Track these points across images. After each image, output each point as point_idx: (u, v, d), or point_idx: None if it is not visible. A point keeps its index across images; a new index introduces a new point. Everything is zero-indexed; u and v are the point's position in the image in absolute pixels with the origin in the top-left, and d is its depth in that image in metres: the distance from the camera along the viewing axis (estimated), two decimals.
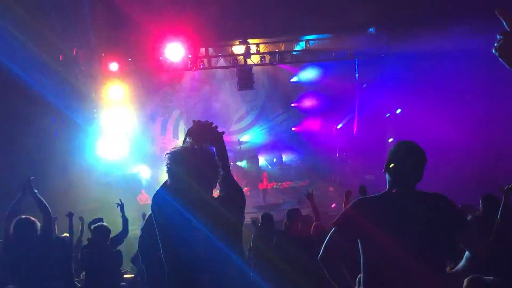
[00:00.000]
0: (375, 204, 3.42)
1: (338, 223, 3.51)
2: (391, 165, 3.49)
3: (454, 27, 15.30)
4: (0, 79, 13.34)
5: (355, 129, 22.42)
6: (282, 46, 18.89)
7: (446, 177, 16.05)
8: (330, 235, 3.49)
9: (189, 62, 18.38)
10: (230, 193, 3.63)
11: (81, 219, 9.50)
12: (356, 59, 20.33)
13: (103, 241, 7.41)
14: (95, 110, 18.43)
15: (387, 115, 20.29)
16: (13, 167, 12.51)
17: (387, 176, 3.50)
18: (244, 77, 19.29)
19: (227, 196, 3.61)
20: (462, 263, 3.57)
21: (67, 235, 8.06)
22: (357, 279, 3.65)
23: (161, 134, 23.14)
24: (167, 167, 3.47)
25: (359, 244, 3.40)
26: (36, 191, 6.06)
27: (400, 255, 3.25)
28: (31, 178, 6.11)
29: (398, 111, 19.64)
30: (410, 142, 3.52)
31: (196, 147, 3.58)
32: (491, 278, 4.39)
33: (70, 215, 8.26)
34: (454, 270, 3.61)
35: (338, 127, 21.88)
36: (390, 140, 19.91)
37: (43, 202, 5.99)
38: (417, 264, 3.23)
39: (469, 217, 8.13)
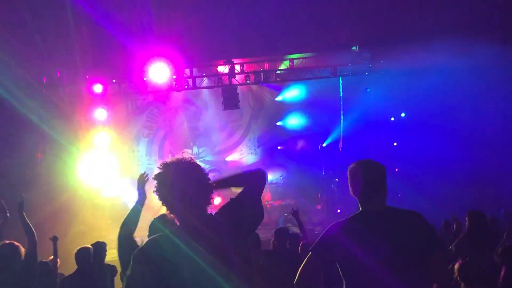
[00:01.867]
0: (349, 226, 3.44)
1: (315, 248, 3.52)
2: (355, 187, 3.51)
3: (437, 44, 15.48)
4: None
5: (340, 147, 22.49)
6: (266, 65, 18.94)
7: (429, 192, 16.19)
8: (306, 260, 3.50)
9: (174, 83, 18.38)
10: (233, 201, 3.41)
11: (54, 239, 8.34)
12: (340, 77, 20.42)
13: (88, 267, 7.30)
14: (79, 132, 18.33)
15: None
16: None
17: (357, 198, 3.52)
18: (229, 97, 19.33)
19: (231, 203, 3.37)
20: None
21: (52, 258, 7.96)
22: None
23: (146, 155, 23.03)
24: (156, 193, 3.17)
25: (338, 266, 3.40)
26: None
27: (377, 274, 3.26)
28: (23, 200, 6.06)
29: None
30: (368, 160, 3.55)
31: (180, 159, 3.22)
32: None
33: (55, 239, 8.13)
34: None
35: (324, 145, 21.89)
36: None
37: (29, 225, 5.93)
38: (395, 283, 3.23)
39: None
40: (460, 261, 5.22)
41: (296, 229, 10.81)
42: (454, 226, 8.96)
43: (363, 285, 3.31)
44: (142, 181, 4.18)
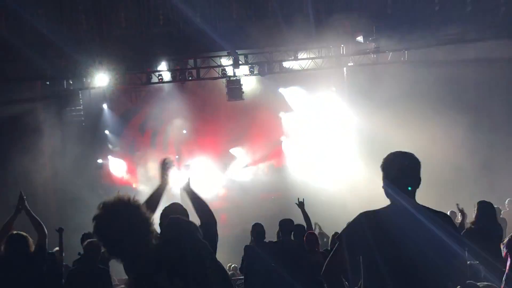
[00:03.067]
0: (375, 218, 3.38)
1: (340, 238, 3.49)
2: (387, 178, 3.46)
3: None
4: None
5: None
6: (270, 56, 18.90)
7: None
8: (333, 251, 3.48)
9: (178, 74, 18.37)
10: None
11: (59, 230, 8.23)
12: (344, 68, 20.39)
13: (94, 258, 7.32)
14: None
15: None
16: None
17: (386, 190, 3.46)
18: (233, 88, 19.30)
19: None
20: None
21: (58, 249, 7.98)
22: None
23: (151, 147, 23.02)
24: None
25: (359, 258, 3.38)
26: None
27: (397, 271, 3.23)
28: (24, 197, 6.08)
29: None
30: (401, 152, 3.50)
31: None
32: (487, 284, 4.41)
33: (60, 231, 8.11)
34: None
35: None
36: None
37: (36, 218, 5.96)
38: (416, 279, 3.22)
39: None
40: None
41: None
42: (459, 216, 8.97)
43: (380, 282, 3.28)
44: (163, 167, 4.12)
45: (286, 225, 8.43)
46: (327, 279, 3.53)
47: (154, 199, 3.96)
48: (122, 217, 2.97)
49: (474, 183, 16.46)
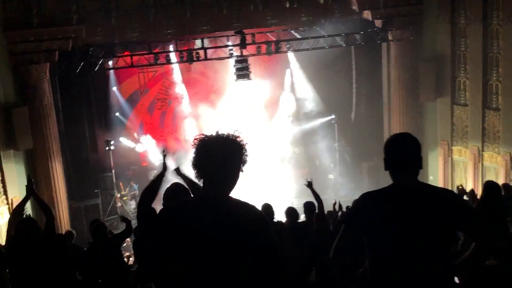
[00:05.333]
0: (378, 199, 3.41)
1: (345, 220, 3.54)
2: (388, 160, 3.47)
3: None
4: None
5: (352, 117, 22.47)
6: (278, 35, 18.87)
7: None
8: (340, 233, 3.51)
9: (185, 54, 18.37)
10: None
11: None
12: (352, 46, 20.34)
13: (102, 239, 7.44)
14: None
15: None
16: None
17: (389, 172, 3.49)
18: (241, 68, 19.28)
19: None
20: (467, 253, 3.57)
21: (72, 230, 8.10)
22: (362, 270, 3.68)
23: (160, 127, 23.15)
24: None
25: (365, 238, 3.42)
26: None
27: (403, 250, 3.27)
28: (32, 180, 6.15)
29: None
30: (400, 134, 3.53)
31: None
32: (494, 262, 4.42)
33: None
34: (459, 260, 3.60)
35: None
36: None
37: (43, 202, 6.04)
38: (420, 259, 3.25)
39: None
40: None
41: None
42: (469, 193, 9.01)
43: (386, 261, 3.32)
44: (163, 155, 4.26)
45: (290, 213, 8.63)
46: (336, 262, 3.56)
47: (154, 185, 4.05)
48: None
49: None
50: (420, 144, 3.43)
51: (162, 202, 4.07)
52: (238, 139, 3.01)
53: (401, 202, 3.32)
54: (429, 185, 3.49)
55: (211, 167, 2.96)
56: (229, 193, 3.04)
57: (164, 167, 4.30)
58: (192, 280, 2.89)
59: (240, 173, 3.04)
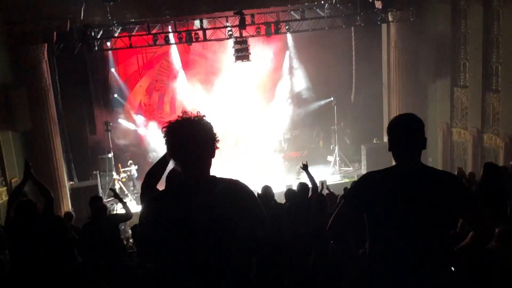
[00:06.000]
0: (381, 179, 3.41)
1: (347, 196, 3.55)
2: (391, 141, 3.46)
3: None
4: None
5: (352, 98, 22.43)
6: (277, 16, 18.76)
7: None
8: (339, 208, 3.52)
9: (184, 35, 18.28)
10: None
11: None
12: (352, 27, 20.26)
13: (102, 220, 7.45)
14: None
15: None
16: None
17: (392, 153, 3.48)
18: (240, 49, 19.20)
19: None
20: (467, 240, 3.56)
21: (71, 211, 8.10)
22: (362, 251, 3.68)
23: (158, 108, 23.11)
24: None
25: (365, 217, 3.42)
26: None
27: (401, 231, 3.27)
28: (30, 163, 6.13)
29: None
30: (404, 115, 3.51)
31: None
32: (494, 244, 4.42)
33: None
34: (456, 248, 3.60)
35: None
36: None
37: (42, 184, 6.02)
38: (419, 240, 3.25)
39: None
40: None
41: None
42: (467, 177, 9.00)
43: (385, 241, 3.33)
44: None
45: (290, 195, 8.68)
46: (333, 234, 3.57)
47: (157, 169, 4.03)
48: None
49: None
50: (424, 125, 3.42)
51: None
52: (203, 119, 3.05)
53: (403, 183, 3.32)
54: (432, 167, 3.48)
55: (185, 151, 2.99)
56: (209, 172, 3.08)
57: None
58: (184, 262, 2.94)
59: (216, 150, 3.08)
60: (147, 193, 4.04)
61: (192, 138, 2.97)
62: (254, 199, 3.13)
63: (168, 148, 3.05)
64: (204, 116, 3.06)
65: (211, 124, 3.06)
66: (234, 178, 3.15)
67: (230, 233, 2.94)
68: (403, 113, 3.54)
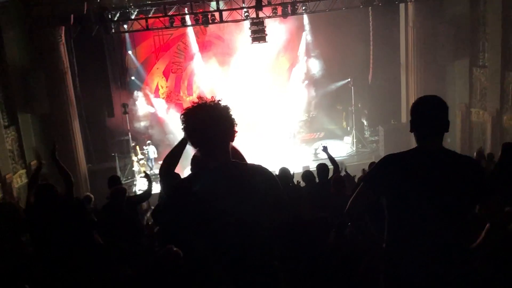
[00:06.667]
0: (401, 161, 3.38)
1: (366, 179, 3.52)
2: (414, 123, 3.43)
3: None
4: None
5: (370, 79, 22.30)
6: None
7: None
8: (358, 190, 3.50)
9: (201, 17, 18.22)
10: None
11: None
12: (370, 7, 20.04)
13: (120, 202, 7.48)
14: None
15: None
16: None
17: (414, 135, 3.45)
18: (257, 31, 19.10)
19: None
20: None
21: (89, 194, 8.15)
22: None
23: (175, 90, 23.15)
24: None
25: (384, 200, 3.41)
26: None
27: (421, 214, 3.25)
28: (55, 145, 6.18)
29: None
30: (429, 96, 3.46)
31: None
32: None
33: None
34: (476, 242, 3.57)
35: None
36: None
37: (64, 168, 6.06)
38: (438, 224, 3.23)
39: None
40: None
41: None
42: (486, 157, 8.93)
43: (404, 223, 3.31)
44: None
45: (307, 177, 8.67)
46: (351, 216, 3.56)
47: (175, 152, 4.03)
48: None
49: None
50: (447, 108, 3.38)
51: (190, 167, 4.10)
52: (220, 103, 3.02)
53: (424, 166, 3.29)
54: (453, 151, 3.45)
55: (204, 137, 2.99)
56: (229, 157, 3.07)
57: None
58: (209, 247, 2.96)
59: (235, 134, 3.06)
60: (167, 178, 4.05)
61: (210, 124, 2.95)
62: (276, 183, 3.12)
63: (186, 135, 3.04)
64: (220, 100, 3.02)
65: (229, 107, 3.03)
66: (255, 163, 3.15)
67: (254, 218, 2.94)
68: (427, 95, 3.48)
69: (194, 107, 3.01)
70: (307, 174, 8.73)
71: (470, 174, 3.27)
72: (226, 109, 3.02)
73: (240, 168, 3.07)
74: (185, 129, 3.02)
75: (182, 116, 3.02)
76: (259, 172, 3.09)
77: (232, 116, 3.03)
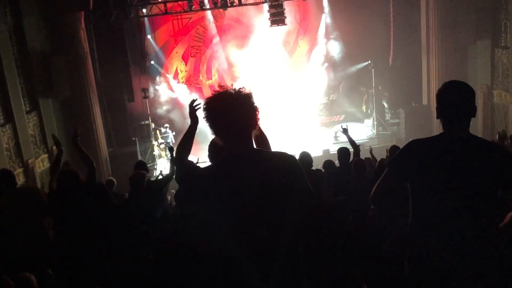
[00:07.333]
0: (427, 147, 3.34)
1: (390, 164, 3.49)
2: (440, 109, 3.39)
3: None
4: None
5: (390, 61, 22.11)
6: None
7: None
8: (383, 176, 3.47)
9: (219, 0, 18.17)
10: None
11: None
12: None
13: (140, 188, 7.51)
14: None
15: None
16: None
17: (440, 120, 3.42)
18: (276, 13, 19.00)
19: None
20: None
21: (112, 178, 8.19)
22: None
23: (194, 74, 23.18)
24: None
25: (408, 186, 3.38)
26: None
27: (446, 200, 3.22)
28: (77, 131, 6.21)
29: None
30: (455, 82, 3.41)
31: None
32: None
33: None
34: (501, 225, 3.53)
35: None
36: None
37: (85, 153, 6.10)
38: (463, 211, 3.21)
39: None
40: None
41: None
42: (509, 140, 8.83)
43: (429, 209, 3.28)
44: (192, 108, 4.16)
45: (327, 165, 8.68)
46: (376, 203, 3.54)
47: (187, 139, 4.04)
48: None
49: None
50: (474, 94, 3.33)
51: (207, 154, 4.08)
52: (241, 90, 2.97)
53: (451, 153, 3.25)
54: (480, 138, 3.40)
55: (227, 125, 2.94)
56: (252, 144, 3.04)
57: (195, 119, 4.19)
58: (236, 238, 2.93)
59: (258, 121, 3.02)
60: (181, 166, 4.07)
61: (232, 112, 2.90)
62: (301, 171, 3.07)
63: (209, 124, 2.98)
64: (242, 88, 2.98)
65: (251, 95, 2.99)
66: (280, 150, 3.11)
67: (280, 207, 2.90)
68: (453, 80, 3.43)
69: (216, 95, 2.97)
70: (330, 164, 8.71)
71: (499, 161, 3.22)
72: (248, 96, 2.97)
73: (264, 156, 3.03)
74: (207, 117, 2.97)
75: (204, 105, 2.99)
76: (284, 159, 3.05)
77: (255, 104, 2.98)
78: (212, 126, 2.98)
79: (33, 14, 15.54)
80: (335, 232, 5.76)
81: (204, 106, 2.99)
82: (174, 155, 8.52)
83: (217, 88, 3.00)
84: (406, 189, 3.41)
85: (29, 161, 14.37)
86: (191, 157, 4.26)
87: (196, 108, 4.12)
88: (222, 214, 2.92)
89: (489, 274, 3.29)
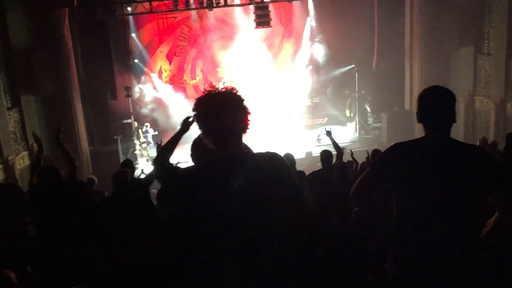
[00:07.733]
0: (409, 150, 3.38)
1: (374, 165, 3.51)
2: (420, 114, 3.41)
3: None
4: None
5: (374, 65, 22.20)
6: None
7: None
8: (364, 174, 3.49)
9: (205, 0, 18.14)
10: None
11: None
12: None
13: (123, 186, 7.44)
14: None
15: None
16: None
17: (422, 125, 3.44)
18: (261, 15, 19.01)
19: None
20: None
21: (93, 177, 8.13)
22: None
23: (178, 74, 23.11)
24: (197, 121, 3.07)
25: (391, 188, 3.40)
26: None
27: (429, 203, 3.24)
28: (60, 128, 6.17)
29: None
30: (436, 87, 3.45)
31: None
32: None
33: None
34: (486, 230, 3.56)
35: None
36: None
37: (67, 151, 6.06)
38: (445, 213, 3.23)
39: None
40: None
41: None
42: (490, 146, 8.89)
43: (412, 211, 3.30)
44: (186, 122, 4.16)
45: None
46: (356, 198, 3.55)
47: (171, 144, 4.06)
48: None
49: None
50: (455, 99, 3.37)
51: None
52: (232, 91, 2.95)
53: (433, 156, 3.28)
54: (461, 142, 3.44)
55: (216, 126, 2.91)
56: (242, 146, 3.02)
57: (186, 128, 4.18)
58: (223, 239, 2.90)
59: (248, 123, 2.98)
60: (164, 167, 4.06)
61: (223, 112, 2.87)
62: (290, 171, 3.06)
63: (199, 125, 2.96)
64: (233, 88, 2.95)
65: (241, 96, 2.96)
66: (270, 151, 3.08)
67: (269, 208, 2.89)
68: (434, 85, 3.47)
69: (208, 95, 2.94)
70: (325, 154, 8.63)
71: (482, 164, 3.26)
72: (240, 98, 2.95)
73: (256, 157, 3.02)
74: (197, 117, 2.95)
75: (194, 104, 2.95)
76: (275, 160, 3.03)
77: (246, 106, 2.96)
78: (202, 125, 2.96)
79: (17, 10, 15.40)
80: (318, 233, 5.76)
81: (194, 104, 2.95)
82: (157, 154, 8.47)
83: (205, 88, 2.96)
84: (387, 188, 3.42)
85: (9, 158, 14.24)
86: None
87: (189, 123, 4.07)
88: (210, 214, 2.89)
89: (474, 276, 3.31)
